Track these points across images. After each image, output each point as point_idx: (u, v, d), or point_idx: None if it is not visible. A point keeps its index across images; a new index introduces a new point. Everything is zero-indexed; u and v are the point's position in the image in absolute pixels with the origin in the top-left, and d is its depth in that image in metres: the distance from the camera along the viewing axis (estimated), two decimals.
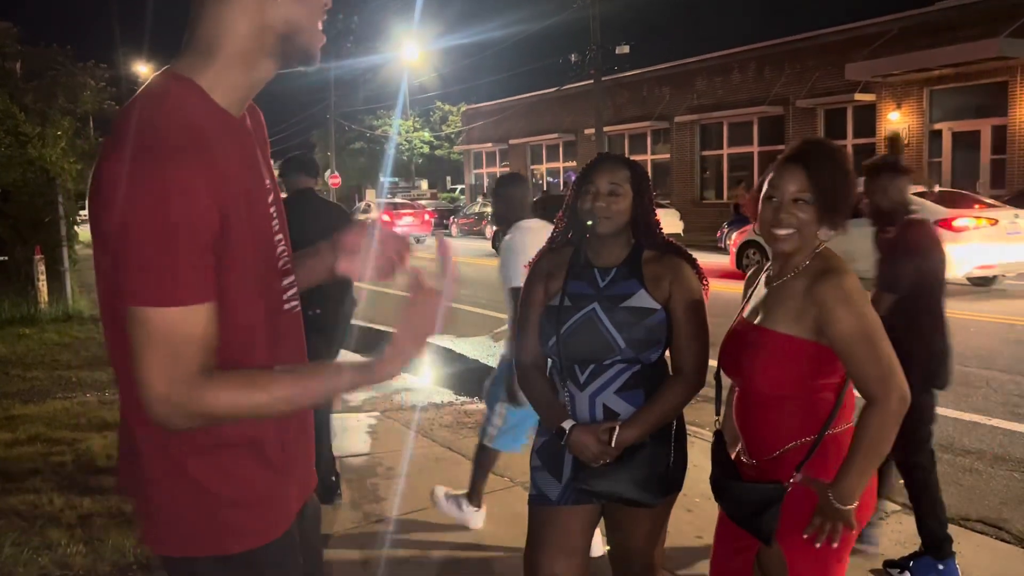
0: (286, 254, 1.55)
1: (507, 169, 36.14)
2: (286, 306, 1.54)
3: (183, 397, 1.31)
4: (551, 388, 2.43)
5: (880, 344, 1.99)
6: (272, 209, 1.51)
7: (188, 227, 1.27)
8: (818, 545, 2.00)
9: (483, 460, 4.06)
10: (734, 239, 15.60)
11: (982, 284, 12.55)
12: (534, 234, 3.63)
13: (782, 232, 2.08)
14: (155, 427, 1.36)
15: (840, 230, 2.12)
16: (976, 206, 12.45)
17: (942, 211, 11.77)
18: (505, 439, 3.97)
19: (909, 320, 3.34)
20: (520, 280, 3.07)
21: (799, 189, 2.06)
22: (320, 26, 1.46)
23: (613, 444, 2.24)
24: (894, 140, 4.68)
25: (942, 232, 11.25)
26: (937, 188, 12.78)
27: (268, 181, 1.52)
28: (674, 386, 2.32)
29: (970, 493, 4.56)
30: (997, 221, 11.80)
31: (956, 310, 10.25)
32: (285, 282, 1.53)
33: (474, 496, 4.06)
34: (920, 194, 12.40)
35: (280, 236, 1.53)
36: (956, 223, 11.63)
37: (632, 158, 2.49)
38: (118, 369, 1.42)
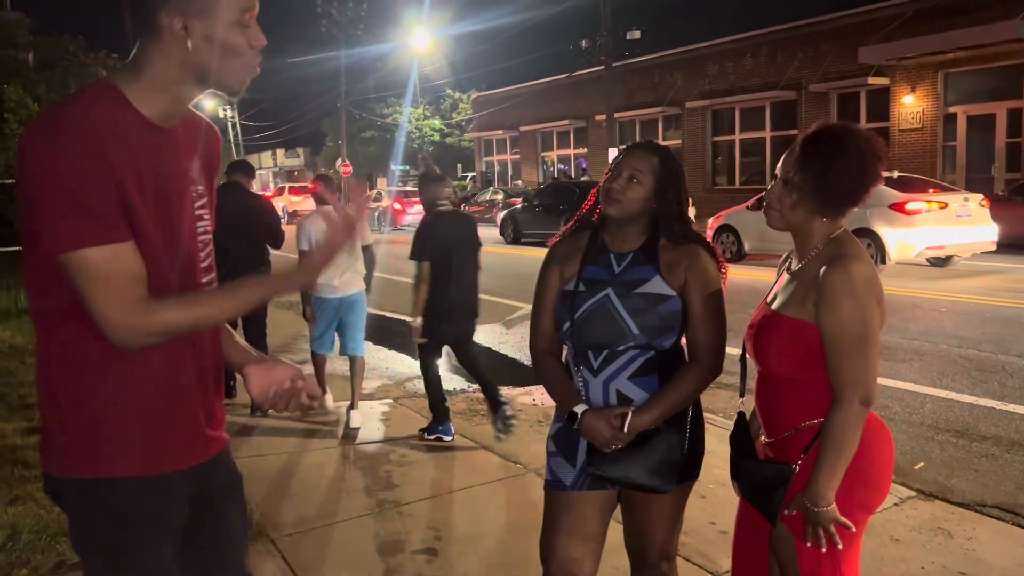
0: (209, 254, 1.78)
1: (517, 157, 36.08)
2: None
3: (137, 319, 1.53)
4: (565, 373, 2.42)
5: (866, 345, 1.97)
6: (201, 211, 1.73)
7: (90, 177, 1.48)
8: (823, 550, 2.01)
9: (316, 363, 5.96)
10: (710, 223, 15.71)
11: (939, 265, 13.08)
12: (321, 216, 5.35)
13: (767, 211, 2.17)
14: (58, 355, 1.60)
15: (833, 216, 2.10)
16: (930, 190, 12.97)
17: (896, 195, 12.20)
18: (318, 344, 5.89)
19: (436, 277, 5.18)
20: (303, 244, 5.50)
21: (787, 171, 2.10)
22: (245, 68, 1.66)
23: (625, 429, 2.23)
24: (425, 159, 6.15)
25: (896, 215, 11.90)
26: (896, 174, 13.13)
27: (201, 187, 1.75)
28: (689, 373, 2.31)
29: (986, 478, 4.53)
30: (947, 204, 12.39)
31: (963, 293, 10.27)
32: (205, 278, 1.76)
33: (321, 386, 5.64)
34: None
35: (207, 237, 1.76)
36: (908, 206, 12.12)
37: (667, 148, 2.44)
38: (34, 317, 1.66)
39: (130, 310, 1.52)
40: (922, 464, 4.75)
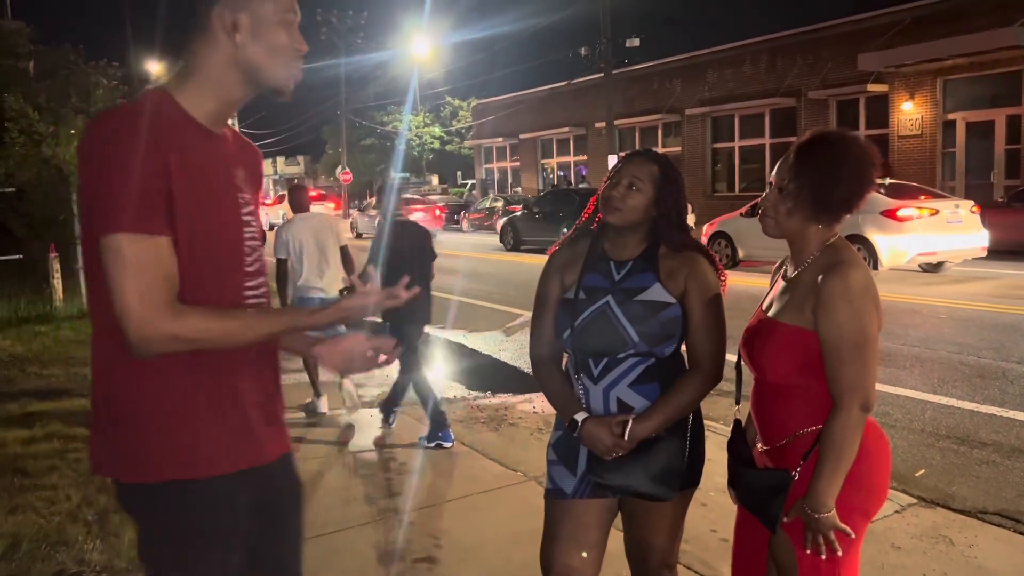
0: (258, 259, 1.79)
1: (517, 164, 36.15)
2: (249, 300, 1.76)
3: (159, 318, 1.51)
4: (565, 381, 2.42)
5: (865, 350, 1.97)
6: (247, 218, 1.75)
7: (142, 168, 1.52)
8: (823, 557, 2.00)
9: (306, 365, 6.10)
10: (704, 229, 15.76)
11: (931, 270, 13.24)
12: (294, 222, 6.10)
13: (762, 218, 2.17)
14: (116, 353, 1.58)
15: (828, 223, 2.10)
16: (921, 197, 13.10)
17: (888, 202, 12.34)
18: None
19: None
20: (281, 253, 5.96)
21: (781, 178, 2.11)
22: (290, 67, 1.72)
23: (626, 437, 2.23)
24: (383, 170, 6.75)
25: (888, 221, 12.07)
26: (888, 180, 13.27)
27: (247, 195, 1.77)
28: (690, 380, 2.31)
29: (987, 485, 4.53)
30: (938, 211, 12.54)
31: (961, 299, 10.28)
32: (250, 282, 1.76)
33: (316, 389, 6.10)
34: None
35: (255, 243, 1.77)
36: (900, 213, 12.25)
37: (665, 156, 2.45)
38: (95, 315, 1.65)
39: (155, 308, 1.51)
40: (923, 471, 4.74)
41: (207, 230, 1.63)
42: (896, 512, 4.04)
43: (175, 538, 1.65)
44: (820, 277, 2.02)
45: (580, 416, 2.30)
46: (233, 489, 1.67)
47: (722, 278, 2.40)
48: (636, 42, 26.40)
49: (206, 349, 1.60)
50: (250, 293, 1.76)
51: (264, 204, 36.48)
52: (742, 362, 2.27)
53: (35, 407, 6.15)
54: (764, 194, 2.18)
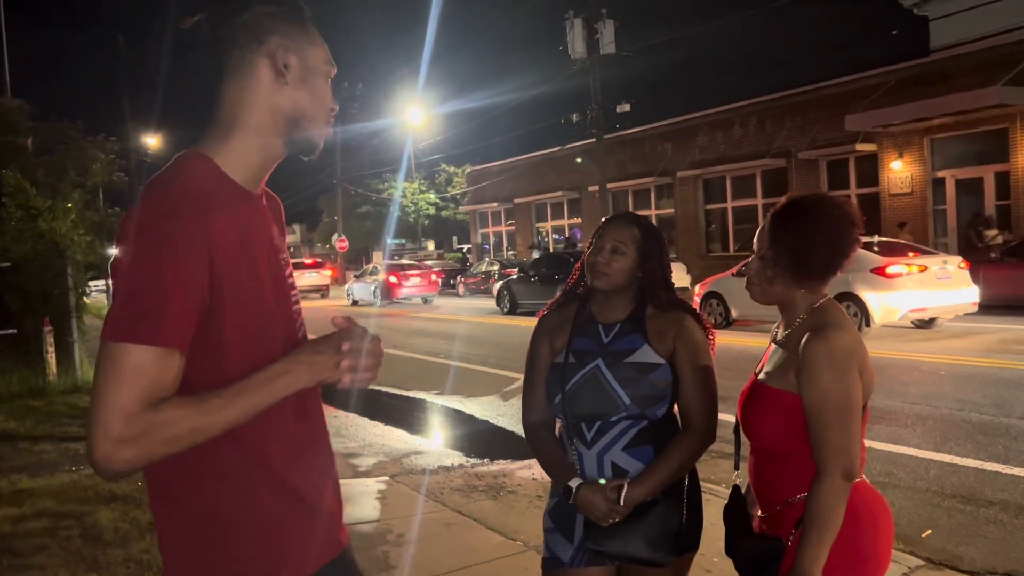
0: (302, 324, 1.63)
1: (512, 228, 36.41)
2: None
3: (131, 434, 1.30)
4: (559, 446, 2.39)
5: (848, 416, 1.93)
6: (291, 280, 1.62)
7: (176, 276, 1.35)
8: None
9: None
10: (697, 289, 15.81)
11: (923, 327, 13.31)
12: None
13: (748, 286, 2.17)
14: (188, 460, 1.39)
15: (813, 286, 2.09)
16: (910, 254, 13.25)
17: (877, 259, 12.47)
18: None
19: None
20: None
21: (761, 246, 2.11)
22: (326, 123, 1.60)
23: (622, 502, 2.20)
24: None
25: (878, 279, 12.09)
26: (877, 238, 13.52)
27: (286, 256, 1.63)
28: (683, 441, 2.29)
29: (995, 545, 4.44)
30: (927, 267, 12.68)
31: (960, 355, 10.26)
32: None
33: None
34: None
35: (298, 307, 1.62)
36: (889, 270, 12.36)
37: (645, 218, 2.48)
38: None
39: (132, 420, 1.31)
40: (929, 531, 4.65)
41: (256, 306, 1.47)
42: (903, 575, 3.95)
43: None
44: (803, 340, 2.01)
45: (574, 482, 2.27)
46: None
47: (710, 337, 2.40)
48: (627, 107, 26.85)
49: (195, 444, 1.37)
50: None
51: None
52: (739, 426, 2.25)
53: (25, 484, 6.05)
54: (749, 262, 2.18)
